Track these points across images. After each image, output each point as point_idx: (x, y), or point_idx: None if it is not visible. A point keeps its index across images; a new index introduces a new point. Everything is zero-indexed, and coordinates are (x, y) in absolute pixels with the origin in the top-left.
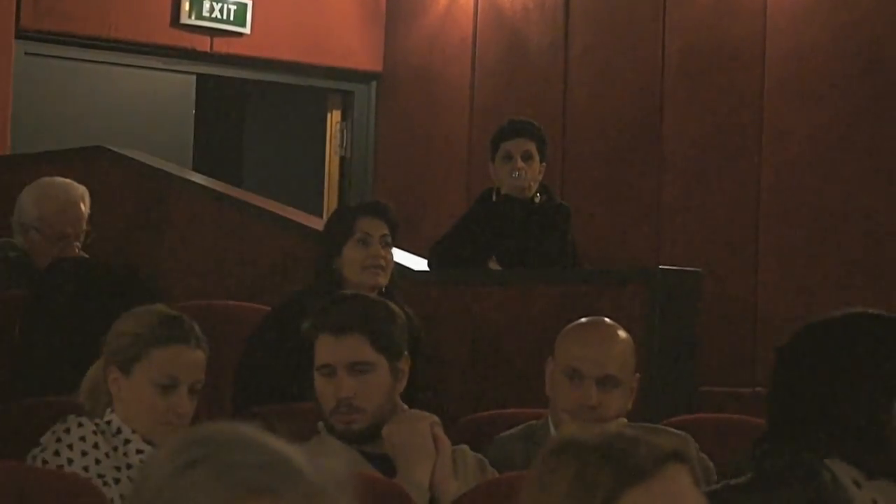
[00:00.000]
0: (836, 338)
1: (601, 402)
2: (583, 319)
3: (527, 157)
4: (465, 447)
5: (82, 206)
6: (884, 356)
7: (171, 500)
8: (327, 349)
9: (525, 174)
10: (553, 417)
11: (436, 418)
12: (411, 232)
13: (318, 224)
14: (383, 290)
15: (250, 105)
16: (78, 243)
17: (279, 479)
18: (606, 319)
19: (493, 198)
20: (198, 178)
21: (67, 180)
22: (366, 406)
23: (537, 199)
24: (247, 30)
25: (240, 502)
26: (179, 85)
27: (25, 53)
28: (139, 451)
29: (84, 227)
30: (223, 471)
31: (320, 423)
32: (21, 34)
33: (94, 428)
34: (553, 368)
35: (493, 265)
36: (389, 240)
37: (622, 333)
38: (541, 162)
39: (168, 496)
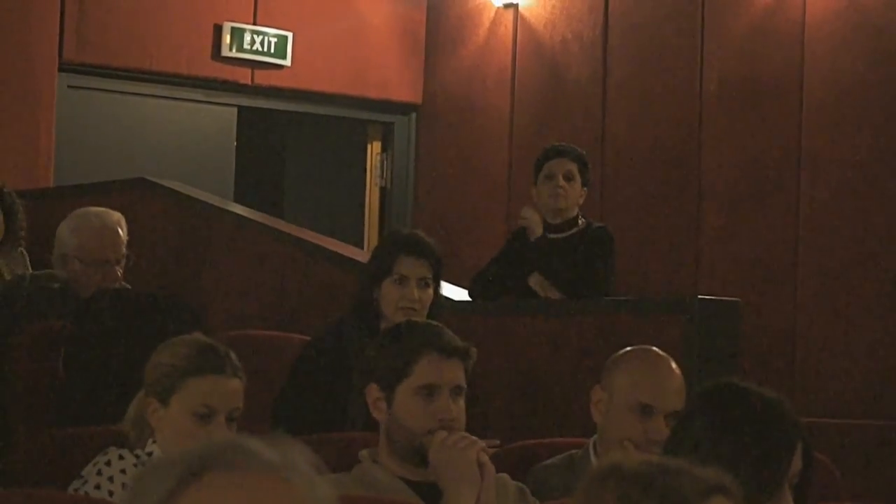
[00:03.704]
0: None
1: (665, 435)
2: (637, 349)
3: (569, 178)
4: (505, 476)
5: (120, 231)
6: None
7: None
8: (433, 369)
9: (566, 193)
10: (601, 445)
11: (483, 444)
12: (451, 261)
13: (358, 255)
14: None
15: (291, 136)
16: (119, 268)
17: (233, 456)
18: (659, 350)
19: (529, 237)
20: (239, 210)
21: (103, 208)
22: (460, 430)
23: (580, 223)
24: (287, 62)
25: (195, 479)
26: (221, 117)
27: (68, 86)
28: None
29: (124, 251)
30: (176, 457)
31: (363, 452)
32: (64, 67)
33: (134, 461)
34: (607, 398)
35: (535, 281)
36: (429, 281)
37: (675, 365)
38: (582, 186)
39: (129, 495)
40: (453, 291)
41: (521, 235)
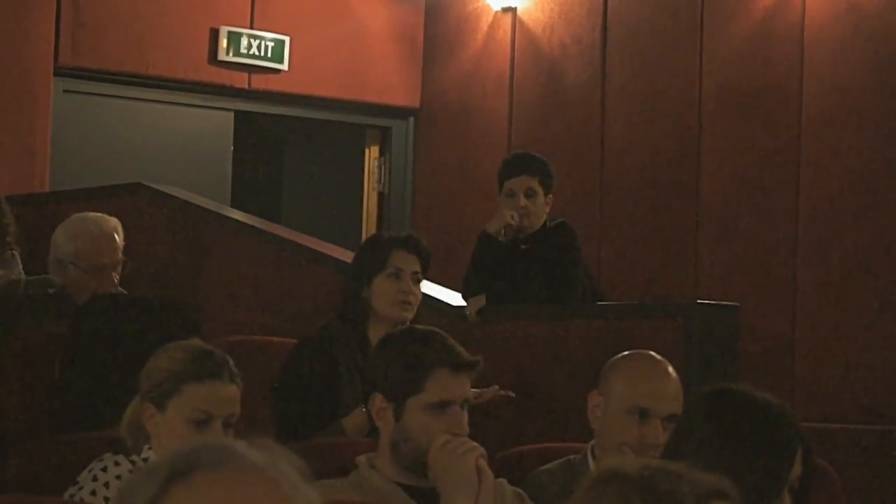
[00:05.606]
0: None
1: (663, 440)
2: (634, 353)
3: (530, 194)
4: (503, 481)
5: (116, 237)
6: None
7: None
8: (446, 385)
9: (528, 211)
10: (599, 450)
11: (483, 450)
12: (449, 267)
13: None
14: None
15: (288, 141)
16: (116, 274)
17: (219, 456)
18: (655, 354)
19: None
20: (236, 215)
21: (99, 214)
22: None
23: (549, 224)
24: (284, 66)
25: (182, 479)
26: (218, 121)
27: (64, 91)
28: None
29: (120, 257)
30: (163, 459)
31: (360, 458)
32: (59, 72)
33: (130, 466)
34: (604, 403)
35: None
36: (420, 276)
37: (672, 369)
38: (546, 194)
39: (117, 497)
40: (450, 296)
41: (491, 239)
